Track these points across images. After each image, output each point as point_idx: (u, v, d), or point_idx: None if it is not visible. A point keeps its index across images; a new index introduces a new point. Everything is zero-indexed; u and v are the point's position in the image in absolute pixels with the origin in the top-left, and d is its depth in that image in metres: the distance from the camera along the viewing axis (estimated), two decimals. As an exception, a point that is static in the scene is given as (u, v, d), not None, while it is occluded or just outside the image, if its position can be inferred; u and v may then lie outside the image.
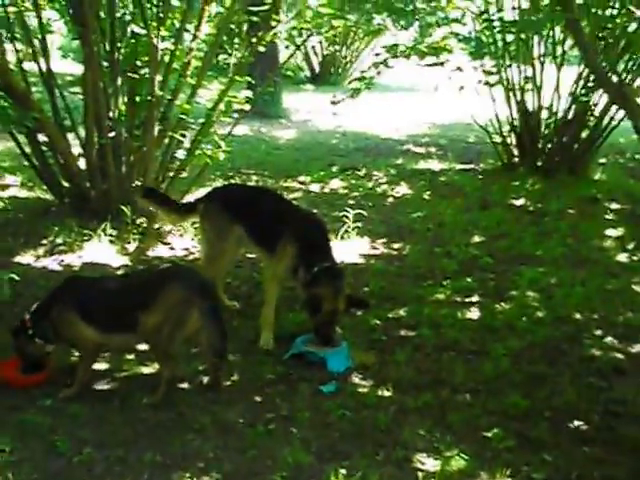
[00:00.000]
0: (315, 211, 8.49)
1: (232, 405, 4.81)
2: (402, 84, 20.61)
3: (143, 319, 4.76)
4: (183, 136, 8.01)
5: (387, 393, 5.04)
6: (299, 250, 5.57)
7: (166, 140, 8.10)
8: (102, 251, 7.19)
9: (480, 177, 11.06)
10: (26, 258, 6.97)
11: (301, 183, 10.41)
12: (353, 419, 4.72)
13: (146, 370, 5.18)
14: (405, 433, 4.58)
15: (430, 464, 4.30)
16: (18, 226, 7.71)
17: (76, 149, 8.13)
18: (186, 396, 4.90)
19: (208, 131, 8.17)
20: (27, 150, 8.24)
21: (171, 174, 8.30)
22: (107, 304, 4.91)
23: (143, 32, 7.54)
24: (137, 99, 7.86)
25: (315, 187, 10.23)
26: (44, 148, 7.99)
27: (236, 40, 8.60)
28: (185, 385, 5.04)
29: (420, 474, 4.16)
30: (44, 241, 7.33)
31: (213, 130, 8.32)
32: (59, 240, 7.33)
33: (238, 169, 10.91)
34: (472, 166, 11.75)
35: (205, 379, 5.09)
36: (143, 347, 5.17)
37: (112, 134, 7.82)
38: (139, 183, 7.83)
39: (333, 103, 10.30)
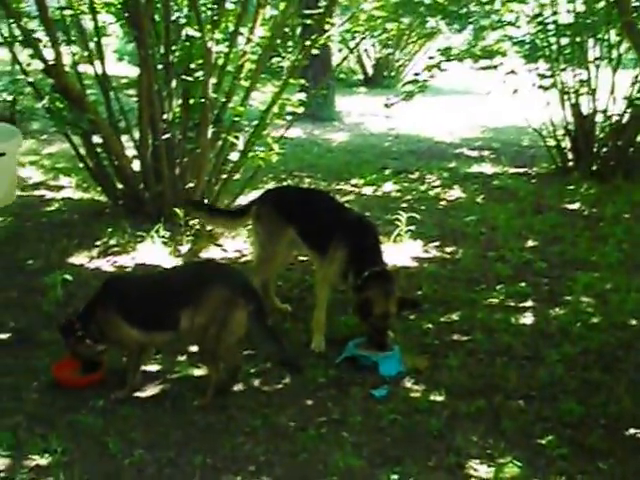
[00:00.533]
0: (367, 214, 8.48)
1: (283, 408, 4.80)
2: (455, 87, 20.45)
3: (184, 317, 4.76)
4: (236, 138, 8.01)
5: (439, 398, 4.99)
6: (349, 254, 5.53)
7: (219, 142, 8.11)
8: (155, 253, 7.23)
9: (534, 181, 10.91)
10: (80, 259, 7.04)
11: (354, 186, 10.37)
12: (405, 424, 4.68)
13: (197, 372, 5.19)
14: (458, 439, 4.52)
15: (483, 471, 4.24)
16: (72, 227, 7.80)
17: (131, 151, 8.22)
18: (237, 399, 4.89)
19: (261, 133, 8.17)
20: (82, 152, 8.34)
21: (224, 176, 8.31)
22: (147, 303, 4.92)
23: (197, 35, 7.55)
24: (191, 101, 7.87)
25: (368, 190, 10.18)
26: (99, 150, 8.07)
27: (290, 43, 8.59)
28: (236, 388, 5.03)
29: (472, 480, 4.11)
30: (98, 242, 7.40)
31: (266, 132, 8.30)
32: (112, 241, 7.39)
33: (291, 172, 10.92)
34: (526, 170, 11.59)
35: (256, 381, 5.08)
36: (194, 349, 5.18)
37: (166, 136, 7.85)
38: (192, 185, 7.86)
39: (387, 106, 10.24)
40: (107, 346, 5.02)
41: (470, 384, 5.17)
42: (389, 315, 5.42)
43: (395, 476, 4.10)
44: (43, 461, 4.16)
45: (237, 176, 8.56)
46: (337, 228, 5.67)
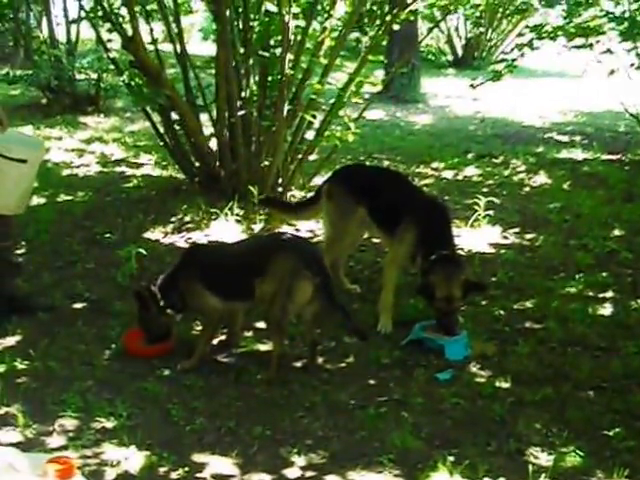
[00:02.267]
0: (446, 198, 8.40)
1: (344, 386, 4.79)
2: (549, 69, 19.93)
3: (257, 286, 4.80)
4: (313, 117, 7.98)
5: (505, 384, 4.90)
6: (419, 236, 5.48)
7: (296, 121, 8.07)
8: (228, 230, 7.28)
9: (627, 168, 10.50)
10: (154, 234, 7.16)
11: (434, 169, 10.22)
12: (467, 408, 4.61)
13: (263, 347, 5.22)
14: (520, 426, 4.43)
15: (543, 458, 4.14)
16: (149, 203, 7.93)
17: (208, 129, 8.27)
18: (299, 375, 4.91)
19: (338, 112, 8.11)
20: (161, 129, 8.44)
21: (300, 156, 8.29)
22: (226, 272, 4.97)
23: (276, 10, 7.42)
24: (268, 79, 7.86)
25: (448, 174, 10.02)
26: (177, 127, 8.13)
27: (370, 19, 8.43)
28: (299, 364, 5.04)
29: (531, 467, 4.00)
30: (173, 219, 7.51)
31: (344, 112, 8.25)
32: (187, 218, 7.49)
33: (370, 153, 10.83)
34: (619, 157, 11.20)
35: (319, 359, 5.09)
36: (261, 325, 5.22)
37: (241, 113, 7.82)
38: (267, 163, 7.88)
39: (472, 87, 10.01)
40: (180, 318, 5.11)
41: (538, 372, 5.06)
42: (452, 299, 5.34)
43: (452, 458, 4.05)
44: (109, 424, 4.27)
45: (313, 156, 8.54)
46: (408, 209, 5.62)
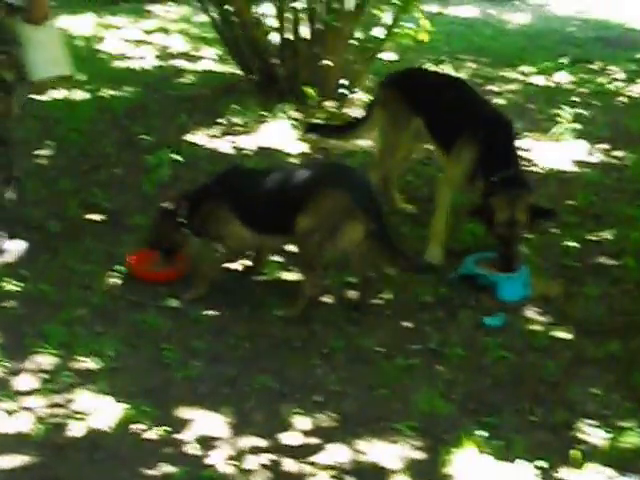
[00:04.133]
0: (531, 106, 7.52)
1: (373, 329, 4.15)
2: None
3: (299, 221, 4.14)
4: (381, 11, 7.07)
5: (564, 335, 4.19)
6: (479, 154, 4.69)
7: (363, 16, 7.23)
8: (281, 135, 6.60)
9: None
10: (197, 137, 6.46)
11: (522, 74, 9.22)
12: (513, 363, 3.93)
13: (289, 277, 4.58)
14: (574, 390, 3.75)
15: (596, 436, 3.45)
16: (198, 102, 7.22)
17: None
18: (324, 312, 4.27)
19: (411, 7, 7.20)
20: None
21: (368, 55, 7.46)
22: (265, 202, 4.32)
23: None
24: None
25: (537, 79, 9.01)
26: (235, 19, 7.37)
27: None
28: (327, 299, 4.41)
29: (579, 447, 3.32)
30: (221, 120, 6.82)
31: (417, 6, 7.32)
32: (237, 120, 6.79)
33: (454, 54, 9.87)
34: None
35: (351, 294, 4.43)
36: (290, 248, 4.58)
37: (304, 5, 7.03)
38: (328, 62, 7.10)
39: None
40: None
41: (607, 320, 4.35)
42: (514, 223, 4.56)
43: (483, 432, 3.37)
44: (91, 365, 3.73)
45: (391, 55, 7.61)
46: (467, 123, 4.82)
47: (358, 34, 7.37)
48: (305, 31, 7.22)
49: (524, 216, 4.56)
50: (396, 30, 7.29)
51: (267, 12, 7.53)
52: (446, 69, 9.01)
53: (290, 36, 7.24)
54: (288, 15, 7.17)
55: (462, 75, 8.88)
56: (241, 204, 4.31)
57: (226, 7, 7.24)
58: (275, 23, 7.38)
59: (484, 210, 4.59)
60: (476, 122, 4.82)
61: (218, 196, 4.36)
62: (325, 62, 7.14)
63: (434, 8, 8.19)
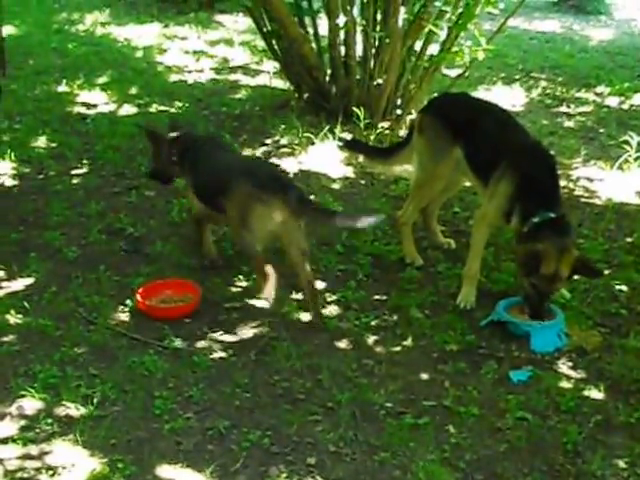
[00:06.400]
0: (601, 131, 7.10)
1: (385, 381, 3.85)
2: None
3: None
4: (436, 26, 6.70)
5: (595, 394, 3.83)
6: (517, 189, 4.34)
7: (421, 33, 6.90)
8: (327, 157, 6.36)
9: None
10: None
11: (597, 94, 8.74)
12: (533, 427, 3.58)
13: (304, 317, 4.34)
14: (596, 461, 3.38)
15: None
16: (245, 121, 7.03)
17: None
18: (333, 360, 3.98)
19: (467, 24, 6.83)
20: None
21: (423, 74, 7.14)
22: (208, 178, 4.58)
23: None
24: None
25: (612, 101, 8.51)
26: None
27: None
28: (343, 345, 4.12)
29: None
30: (267, 140, 6.61)
31: (475, 23, 6.93)
32: (283, 141, 6.58)
33: (527, 71, 9.44)
34: None
35: (370, 338, 4.17)
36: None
37: (350, 19, 6.75)
38: (380, 81, 6.81)
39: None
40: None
41: (646, 380, 3.93)
42: (558, 279, 4.21)
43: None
44: (75, 412, 3.53)
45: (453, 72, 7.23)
46: (506, 154, 4.47)
47: (414, 52, 7.06)
48: (358, 49, 6.95)
49: (568, 271, 4.21)
50: (453, 48, 6.94)
51: (320, 29, 7.28)
52: (516, 88, 8.65)
53: (342, 54, 6.97)
54: (341, 32, 6.90)
55: (533, 95, 8.52)
56: (195, 175, 4.66)
57: (274, 21, 7.01)
58: (327, 40, 7.14)
59: (530, 257, 4.22)
60: (515, 154, 4.47)
61: (190, 159, 4.69)
62: (378, 81, 6.85)
63: (517, 22, 7.75)
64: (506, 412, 3.66)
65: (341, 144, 6.03)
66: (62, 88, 7.76)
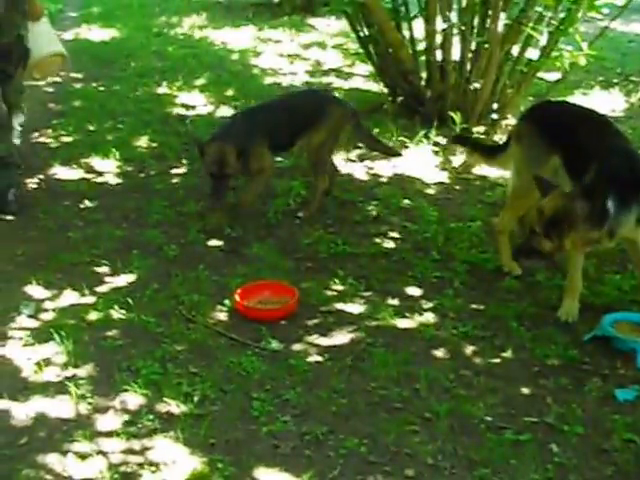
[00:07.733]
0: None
1: (484, 394, 3.75)
2: None
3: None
4: (535, 30, 6.54)
5: None
6: (604, 197, 4.19)
7: (520, 37, 6.79)
8: (421, 162, 6.30)
9: None
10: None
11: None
12: (640, 450, 3.44)
13: (402, 324, 4.27)
14: None
15: None
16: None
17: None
18: (431, 369, 3.90)
19: (568, 29, 6.67)
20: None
21: (521, 78, 7.01)
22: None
23: None
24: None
25: None
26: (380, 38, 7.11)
27: None
28: (439, 352, 4.06)
29: None
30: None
31: (577, 27, 6.78)
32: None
33: (627, 75, 9.18)
34: None
35: (467, 348, 4.08)
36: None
37: (450, 24, 6.71)
38: (477, 86, 6.71)
39: None
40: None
41: None
42: None
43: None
44: (176, 409, 3.54)
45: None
46: (596, 160, 4.31)
47: (512, 56, 6.94)
48: (455, 53, 6.87)
49: None
50: (554, 53, 6.80)
51: (417, 33, 7.22)
52: (615, 93, 8.43)
53: (439, 57, 6.90)
54: (438, 36, 6.83)
55: (633, 100, 8.28)
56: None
57: (372, 26, 6.98)
58: (424, 44, 7.08)
59: None
60: (605, 159, 4.31)
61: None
62: (475, 85, 6.76)
63: (614, 24, 7.56)
64: (612, 433, 3.53)
65: (452, 139, 6.00)
66: (162, 90, 7.92)
